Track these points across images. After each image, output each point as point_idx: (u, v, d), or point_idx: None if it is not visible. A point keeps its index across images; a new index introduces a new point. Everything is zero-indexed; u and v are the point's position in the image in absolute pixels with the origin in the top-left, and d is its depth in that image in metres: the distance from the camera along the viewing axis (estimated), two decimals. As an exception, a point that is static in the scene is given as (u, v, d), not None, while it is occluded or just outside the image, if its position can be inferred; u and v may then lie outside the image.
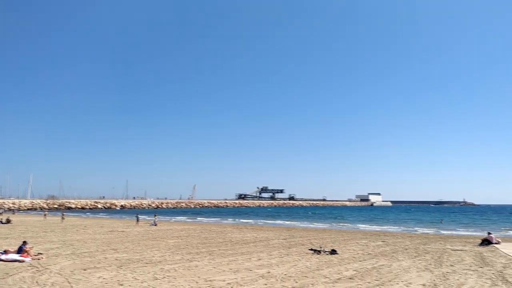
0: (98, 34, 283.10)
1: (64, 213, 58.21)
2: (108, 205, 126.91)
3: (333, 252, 19.55)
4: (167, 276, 13.10)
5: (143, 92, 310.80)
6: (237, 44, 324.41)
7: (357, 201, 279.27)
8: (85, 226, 40.33)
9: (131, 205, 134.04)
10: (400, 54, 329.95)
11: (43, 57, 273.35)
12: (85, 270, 14.10)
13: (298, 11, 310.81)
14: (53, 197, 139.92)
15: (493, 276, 13.44)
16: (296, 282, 12.29)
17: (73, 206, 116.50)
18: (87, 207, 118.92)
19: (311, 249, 20.38)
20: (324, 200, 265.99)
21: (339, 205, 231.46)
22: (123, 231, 33.57)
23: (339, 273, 13.87)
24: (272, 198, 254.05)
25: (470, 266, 15.89)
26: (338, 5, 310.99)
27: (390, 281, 12.58)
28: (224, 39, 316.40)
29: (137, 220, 45.85)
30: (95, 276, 12.90)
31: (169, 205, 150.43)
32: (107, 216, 72.75)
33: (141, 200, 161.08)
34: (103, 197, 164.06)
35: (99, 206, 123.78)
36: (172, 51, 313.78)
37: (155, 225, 41.65)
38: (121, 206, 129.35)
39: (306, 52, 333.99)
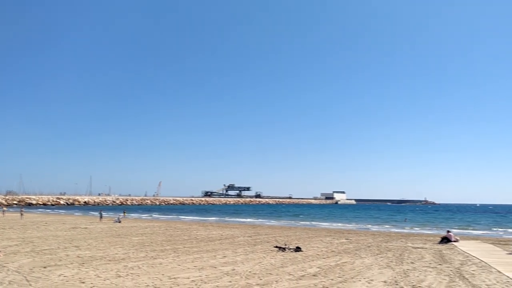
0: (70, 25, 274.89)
1: (24, 210, 56.30)
2: (71, 201, 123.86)
3: (297, 249, 19.75)
4: (131, 273, 12.92)
5: (108, 86, 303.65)
6: (208, 42, 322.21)
7: (322, 199, 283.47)
8: (46, 222, 39.23)
9: (94, 202, 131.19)
10: (373, 52, 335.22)
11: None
12: (45, 267, 13.72)
13: (267, 7, 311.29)
14: (12, 193, 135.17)
15: (451, 273, 13.91)
16: (261, 279, 12.36)
17: (34, 202, 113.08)
18: (49, 203, 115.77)
19: (276, 247, 20.53)
20: (290, 197, 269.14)
21: (304, 202, 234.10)
22: (86, 228, 32.84)
23: (303, 270, 14.04)
24: (239, 195, 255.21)
25: (430, 263, 16.39)
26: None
27: (352, 278, 12.83)
28: (197, 37, 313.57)
29: (101, 217, 45.14)
30: (55, 274, 12.56)
31: (134, 202, 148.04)
32: (70, 213, 70.97)
33: (105, 197, 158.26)
34: (65, 193, 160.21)
35: (62, 202, 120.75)
36: (146, 47, 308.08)
37: (119, 222, 40.92)
38: (85, 202, 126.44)
39: (273, 48, 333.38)
